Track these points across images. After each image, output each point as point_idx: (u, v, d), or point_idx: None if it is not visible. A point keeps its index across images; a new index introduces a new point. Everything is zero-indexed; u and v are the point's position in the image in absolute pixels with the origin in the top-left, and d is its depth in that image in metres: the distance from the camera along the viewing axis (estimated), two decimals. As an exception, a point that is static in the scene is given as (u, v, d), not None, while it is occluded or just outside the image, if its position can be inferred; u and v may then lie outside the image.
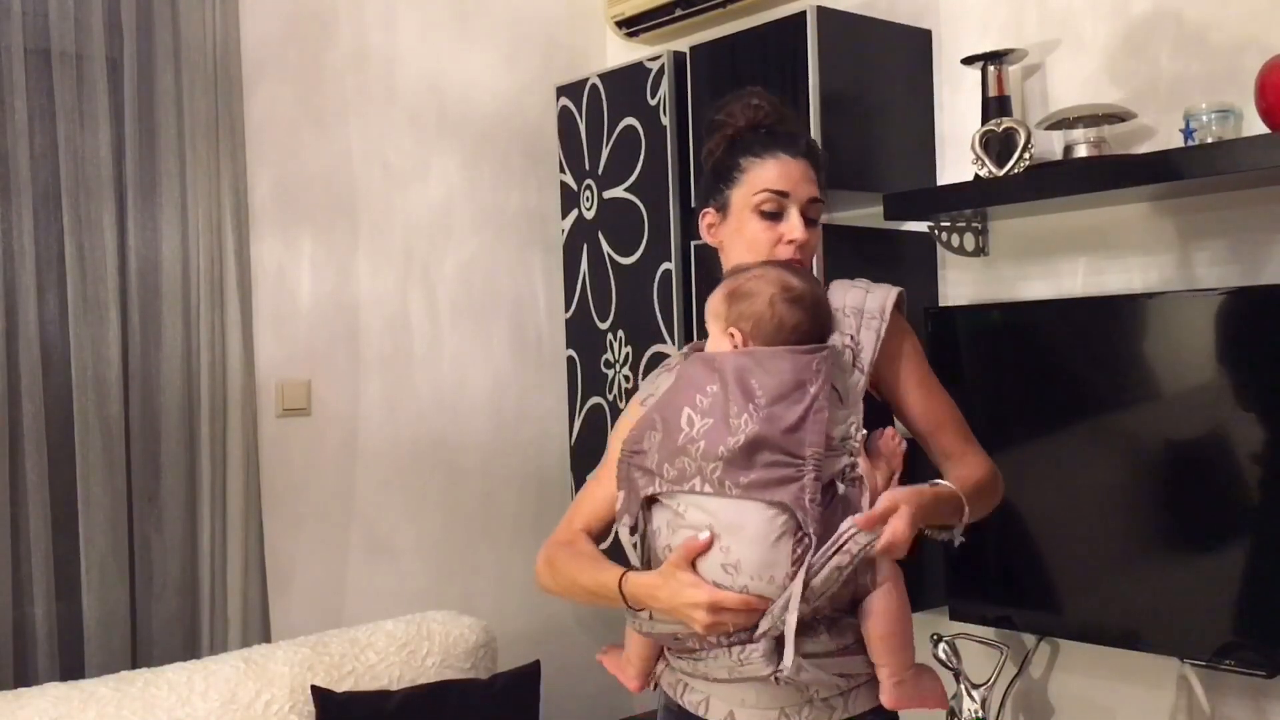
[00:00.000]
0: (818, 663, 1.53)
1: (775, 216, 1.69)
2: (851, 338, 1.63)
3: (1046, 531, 2.27)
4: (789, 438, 1.50)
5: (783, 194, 1.68)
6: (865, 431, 1.57)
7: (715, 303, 1.64)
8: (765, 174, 1.69)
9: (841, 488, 1.52)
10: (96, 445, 2.54)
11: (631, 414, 1.74)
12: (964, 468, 1.67)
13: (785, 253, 1.68)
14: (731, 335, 1.61)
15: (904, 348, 1.70)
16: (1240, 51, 2.15)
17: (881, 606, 1.54)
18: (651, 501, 1.60)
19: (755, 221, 1.69)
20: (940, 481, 1.61)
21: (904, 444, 1.63)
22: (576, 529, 1.76)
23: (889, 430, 1.63)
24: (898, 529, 1.45)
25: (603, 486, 1.74)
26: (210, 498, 2.68)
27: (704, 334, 1.70)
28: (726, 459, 1.50)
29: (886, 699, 1.57)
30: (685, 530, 1.53)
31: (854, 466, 1.54)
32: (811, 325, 1.60)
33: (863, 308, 1.66)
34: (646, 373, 2.84)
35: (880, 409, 1.69)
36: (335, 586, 2.99)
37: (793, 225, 1.68)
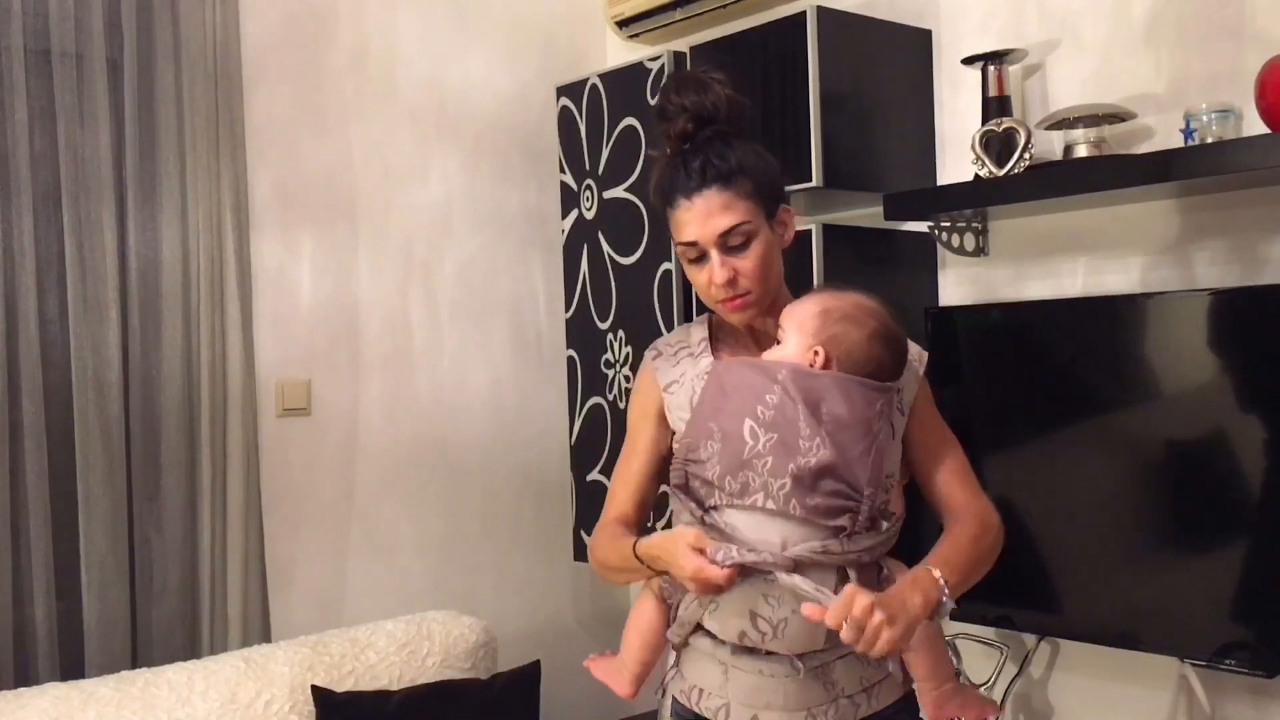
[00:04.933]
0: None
1: (703, 259, 1.63)
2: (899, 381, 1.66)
3: (1046, 531, 2.27)
4: (852, 470, 1.51)
5: (691, 244, 1.62)
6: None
7: (804, 315, 1.59)
8: (677, 225, 1.64)
9: (883, 524, 1.55)
10: (96, 445, 2.54)
11: (645, 388, 1.73)
12: (959, 525, 1.63)
13: (719, 295, 1.63)
14: (816, 353, 1.58)
15: (926, 392, 1.72)
16: (1240, 51, 2.15)
17: (921, 630, 1.53)
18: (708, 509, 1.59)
19: (689, 268, 1.66)
20: (929, 569, 1.56)
21: None
22: (610, 517, 1.75)
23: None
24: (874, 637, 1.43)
25: (630, 465, 1.74)
26: (210, 498, 2.68)
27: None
28: (796, 477, 1.49)
29: (929, 713, 1.60)
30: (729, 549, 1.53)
31: (888, 502, 1.57)
32: (893, 370, 1.61)
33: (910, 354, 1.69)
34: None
35: None
36: (335, 586, 2.99)
37: (712, 268, 1.61)
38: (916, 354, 1.70)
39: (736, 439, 1.53)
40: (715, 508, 1.55)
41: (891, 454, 1.58)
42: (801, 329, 1.59)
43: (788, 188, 1.87)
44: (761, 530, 1.51)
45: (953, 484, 1.67)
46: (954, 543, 1.60)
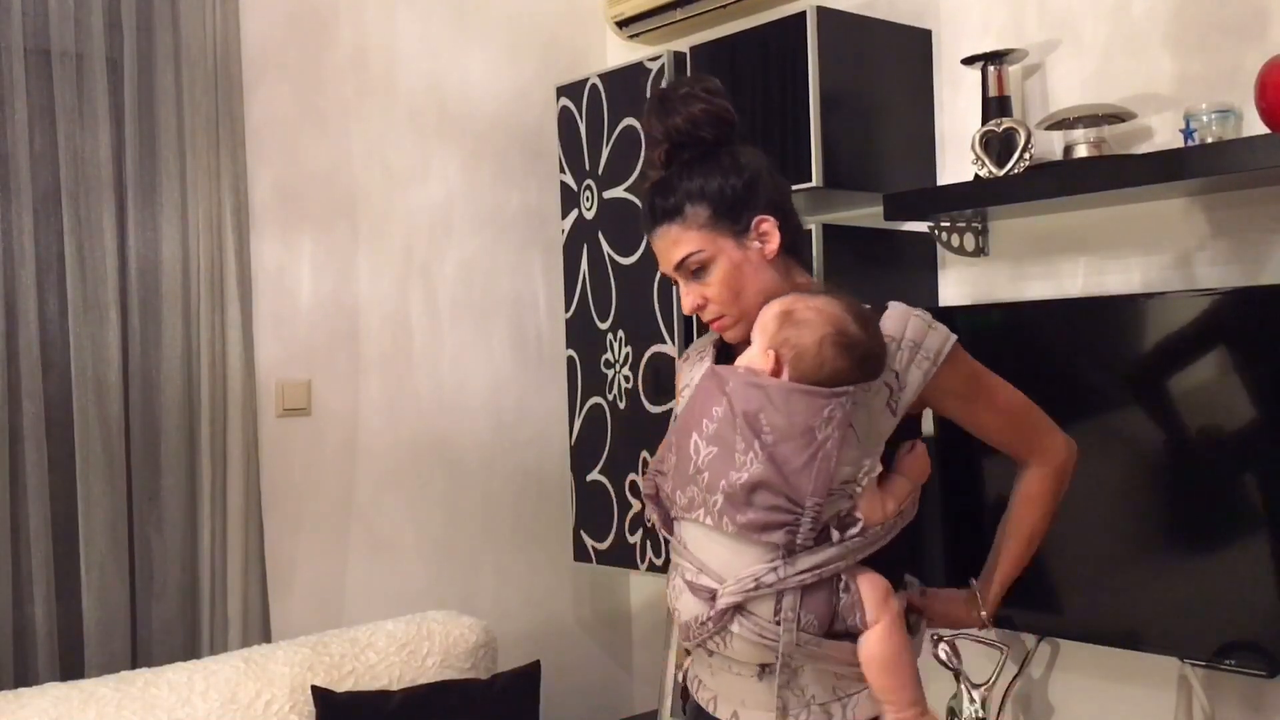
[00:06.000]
0: (807, 650, 1.53)
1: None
2: (897, 375, 1.58)
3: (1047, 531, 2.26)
4: (792, 482, 1.48)
5: (665, 274, 1.71)
6: (880, 469, 1.55)
7: (767, 317, 1.59)
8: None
9: (835, 534, 1.52)
10: (96, 445, 2.54)
11: (677, 390, 1.82)
12: (1020, 503, 1.75)
13: (705, 317, 1.69)
14: (769, 356, 1.55)
15: (954, 385, 1.64)
16: (1240, 51, 2.15)
17: (873, 652, 1.53)
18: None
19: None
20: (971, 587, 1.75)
21: (928, 458, 1.63)
22: None
23: (916, 445, 1.63)
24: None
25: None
26: (210, 498, 2.68)
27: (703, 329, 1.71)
28: (727, 494, 1.50)
29: None
30: (683, 564, 1.58)
31: (852, 510, 1.52)
32: (854, 375, 1.53)
33: (921, 343, 1.60)
34: (646, 372, 2.85)
35: (913, 421, 1.66)
36: (335, 586, 2.99)
37: (683, 295, 1.68)
38: (933, 351, 1.60)
39: (684, 452, 1.55)
40: (676, 519, 1.61)
41: (848, 460, 1.51)
42: (763, 331, 1.58)
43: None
44: (704, 545, 1.55)
45: (1013, 448, 1.74)
46: (1006, 555, 1.75)
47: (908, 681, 1.54)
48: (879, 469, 1.54)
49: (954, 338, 1.63)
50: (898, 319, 1.61)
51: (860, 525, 1.52)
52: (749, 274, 1.64)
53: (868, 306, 1.59)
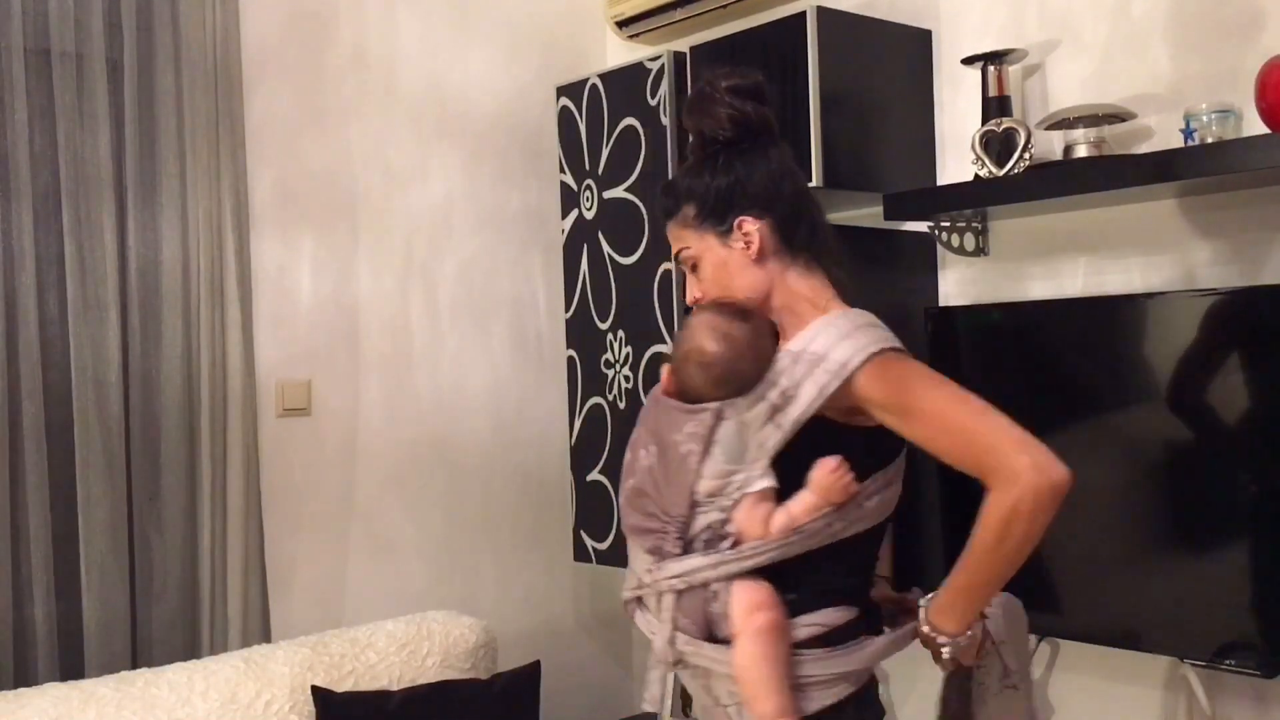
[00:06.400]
0: (684, 650, 1.60)
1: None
2: (783, 393, 1.54)
3: (1046, 531, 2.26)
4: (662, 493, 1.58)
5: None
6: (767, 485, 1.54)
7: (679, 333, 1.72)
8: None
9: (700, 546, 1.57)
10: (96, 445, 2.54)
11: None
12: (977, 527, 1.50)
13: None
14: (666, 370, 1.67)
15: (874, 398, 1.54)
16: (1240, 51, 2.15)
17: (732, 661, 1.54)
18: None
19: None
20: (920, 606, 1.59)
21: (845, 475, 1.53)
22: None
23: (826, 461, 1.53)
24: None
25: None
26: (210, 498, 2.68)
27: None
28: (624, 499, 1.66)
29: None
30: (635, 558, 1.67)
31: (724, 523, 1.55)
32: (713, 394, 1.56)
33: (825, 355, 1.55)
34: (647, 373, 2.85)
35: (833, 437, 1.57)
36: (335, 586, 2.99)
37: (687, 288, 1.75)
38: (838, 364, 1.53)
39: (627, 462, 1.68)
40: None
41: (711, 474, 1.54)
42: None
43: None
44: (631, 548, 1.68)
45: (965, 469, 1.52)
46: (959, 563, 1.53)
47: (762, 693, 1.52)
48: (762, 484, 1.54)
49: (872, 349, 1.54)
50: (814, 330, 1.60)
51: (731, 540, 1.55)
52: (734, 273, 1.66)
53: (762, 319, 1.62)
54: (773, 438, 1.54)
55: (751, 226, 1.65)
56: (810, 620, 1.57)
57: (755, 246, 1.65)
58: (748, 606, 1.54)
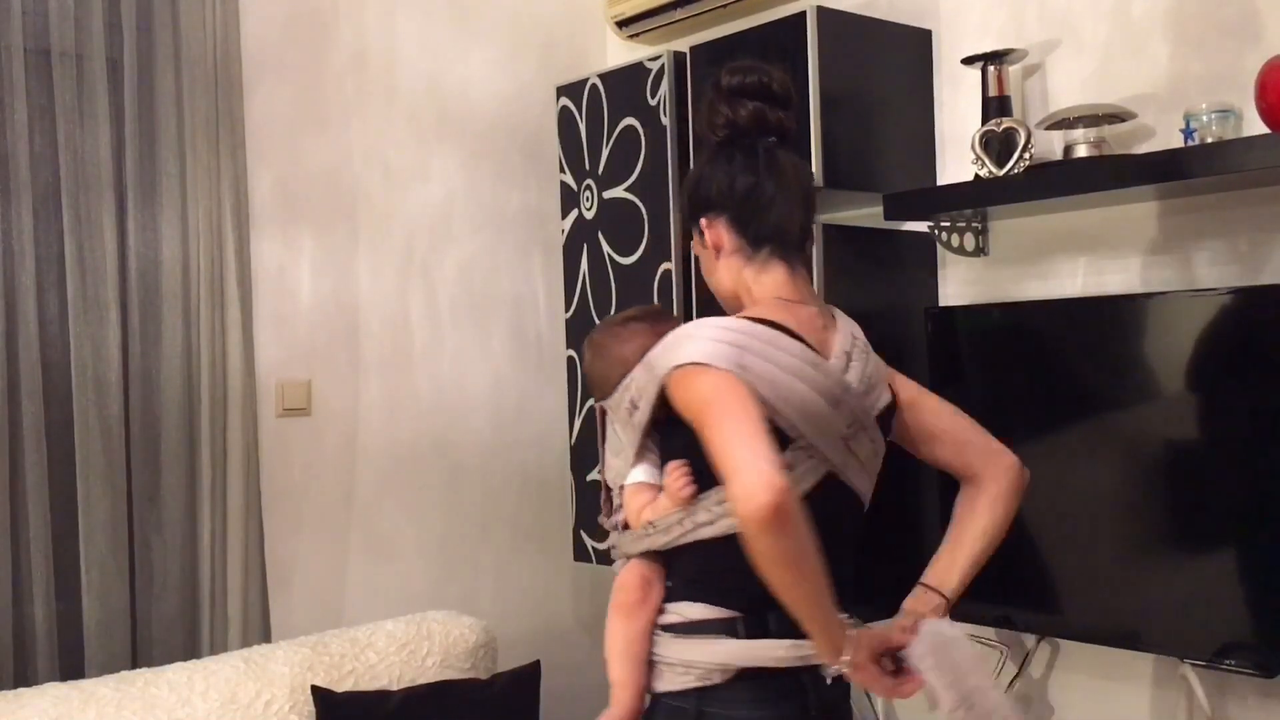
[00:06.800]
0: None
1: None
2: (634, 396, 1.69)
3: (1046, 531, 2.27)
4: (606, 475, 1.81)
5: None
6: (638, 479, 1.70)
7: None
8: None
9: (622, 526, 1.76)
10: (96, 445, 2.54)
11: None
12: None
13: None
14: None
15: (682, 406, 1.59)
16: (1240, 51, 2.15)
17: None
18: None
19: None
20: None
21: (680, 479, 1.62)
22: None
23: (671, 464, 1.66)
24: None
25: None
26: (210, 498, 2.68)
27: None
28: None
29: None
30: None
31: (619, 508, 1.74)
32: (596, 395, 1.80)
33: (655, 363, 1.64)
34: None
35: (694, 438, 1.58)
36: (335, 586, 2.99)
37: None
38: (665, 368, 1.61)
39: None
40: None
41: (615, 465, 1.75)
42: None
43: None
44: None
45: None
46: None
47: (611, 660, 1.71)
48: (635, 479, 1.70)
49: (678, 361, 1.58)
50: (668, 338, 1.67)
51: (619, 523, 1.75)
52: (708, 269, 1.81)
53: (627, 325, 1.77)
54: (633, 436, 1.70)
55: (707, 225, 1.75)
56: (673, 608, 1.68)
57: (713, 246, 1.76)
58: (617, 584, 1.72)
